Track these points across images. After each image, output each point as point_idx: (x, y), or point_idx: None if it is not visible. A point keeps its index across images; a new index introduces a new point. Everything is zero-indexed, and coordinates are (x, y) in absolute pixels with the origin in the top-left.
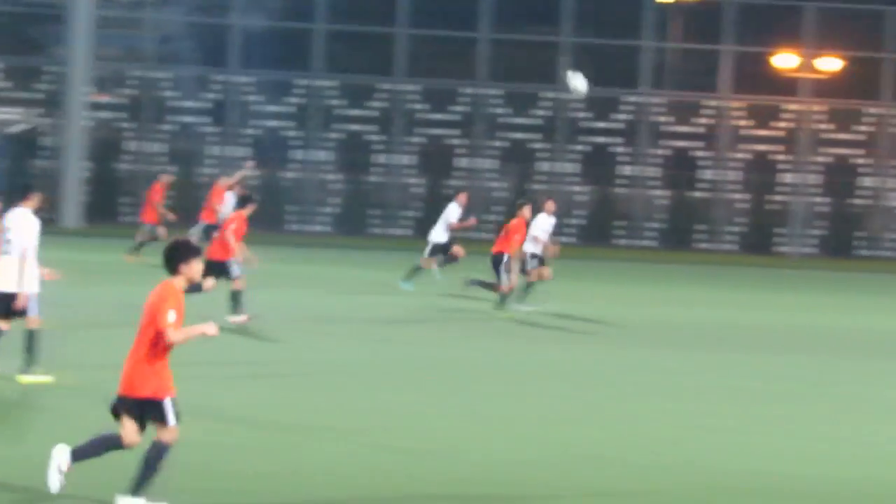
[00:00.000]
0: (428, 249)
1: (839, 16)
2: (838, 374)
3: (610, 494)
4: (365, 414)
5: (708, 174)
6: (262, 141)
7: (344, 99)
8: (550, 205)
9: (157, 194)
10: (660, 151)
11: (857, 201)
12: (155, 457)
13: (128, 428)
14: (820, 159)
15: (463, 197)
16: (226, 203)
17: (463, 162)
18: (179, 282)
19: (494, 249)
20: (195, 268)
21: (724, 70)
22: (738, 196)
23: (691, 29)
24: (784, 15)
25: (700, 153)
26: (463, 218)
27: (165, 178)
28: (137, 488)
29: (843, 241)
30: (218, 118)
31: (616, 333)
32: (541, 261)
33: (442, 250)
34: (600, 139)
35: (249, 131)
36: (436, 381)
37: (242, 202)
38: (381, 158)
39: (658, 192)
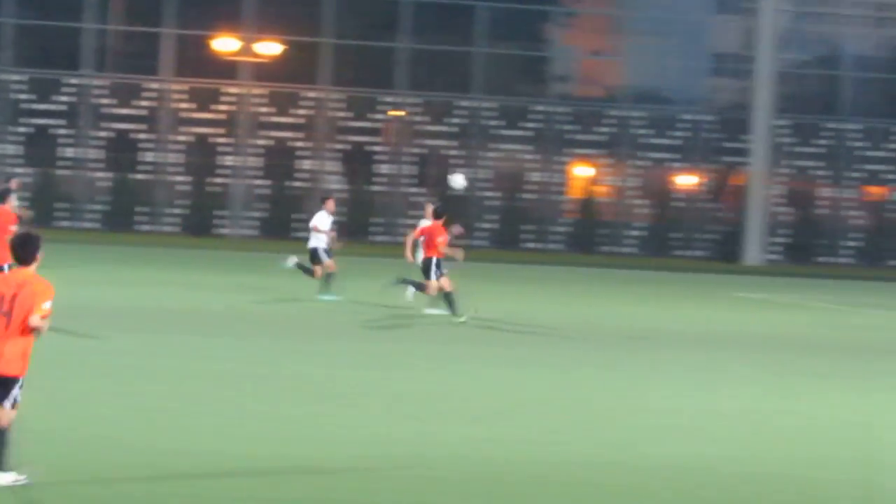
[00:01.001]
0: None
1: (279, 1)
2: (266, 353)
3: None
4: None
5: (149, 157)
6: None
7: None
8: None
9: None
10: (102, 133)
11: (296, 184)
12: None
13: None
14: (260, 142)
15: (331, 203)
16: None
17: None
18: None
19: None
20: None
21: (165, 53)
22: (179, 178)
23: (134, 11)
24: None
25: (142, 136)
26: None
27: None
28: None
29: (283, 222)
30: None
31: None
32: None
33: (315, 256)
34: (41, 121)
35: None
36: None
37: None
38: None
39: (100, 175)
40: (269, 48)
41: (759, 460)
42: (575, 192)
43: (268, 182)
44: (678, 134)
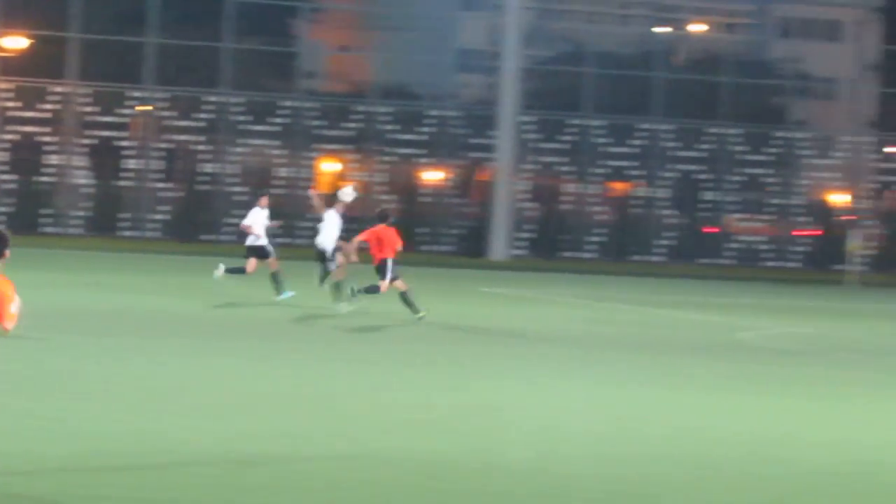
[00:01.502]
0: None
1: None
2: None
3: None
4: None
5: None
6: None
7: None
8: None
9: None
10: None
11: (43, 178)
12: None
13: None
14: (7, 137)
15: (265, 200)
16: None
17: None
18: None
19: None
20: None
21: None
22: None
23: None
24: None
25: None
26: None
27: None
28: None
29: (30, 217)
30: None
31: None
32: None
33: (259, 253)
34: None
35: None
36: None
37: None
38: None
39: None
40: (15, 42)
41: (499, 453)
42: (322, 188)
43: (14, 177)
44: (425, 129)
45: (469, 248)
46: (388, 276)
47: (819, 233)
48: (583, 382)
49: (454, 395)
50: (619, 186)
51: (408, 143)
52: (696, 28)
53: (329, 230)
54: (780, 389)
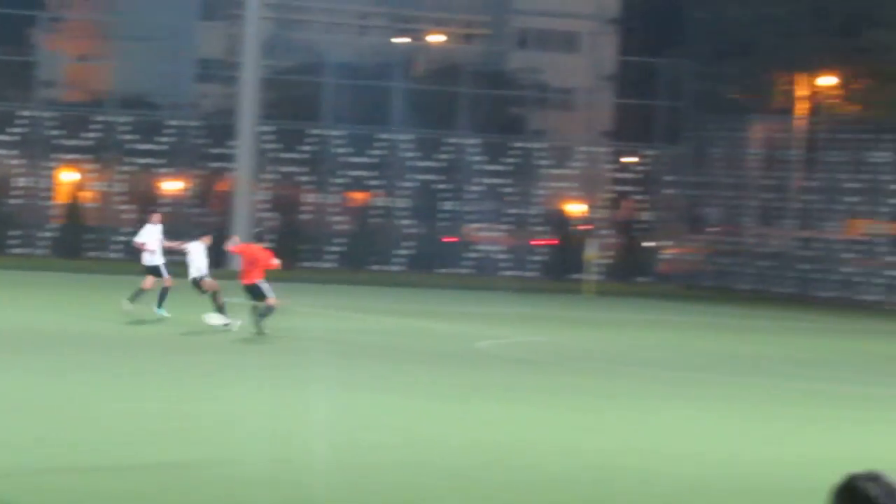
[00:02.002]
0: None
1: None
2: None
3: None
4: None
5: None
6: None
7: None
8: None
9: None
10: None
11: None
12: None
13: None
14: None
15: (157, 217)
16: None
17: None
18: None
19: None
20: None
21: None
22: None
23: None
24: None
25: None
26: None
27: None
28: None
29: None
30: None
31: None
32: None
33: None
34: None
35: None
36: None
37: None
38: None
39: None
40: None
41: (238, 462)
42: (62, 197)
43: None
44: (165, 139)
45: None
46: (268, 293)
47: (556, 242)
48: (323, 391)
49: (198, 404)
50: (358, 196)
51: (147, 153)
52: (435, 39)
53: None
54: (518, 398)
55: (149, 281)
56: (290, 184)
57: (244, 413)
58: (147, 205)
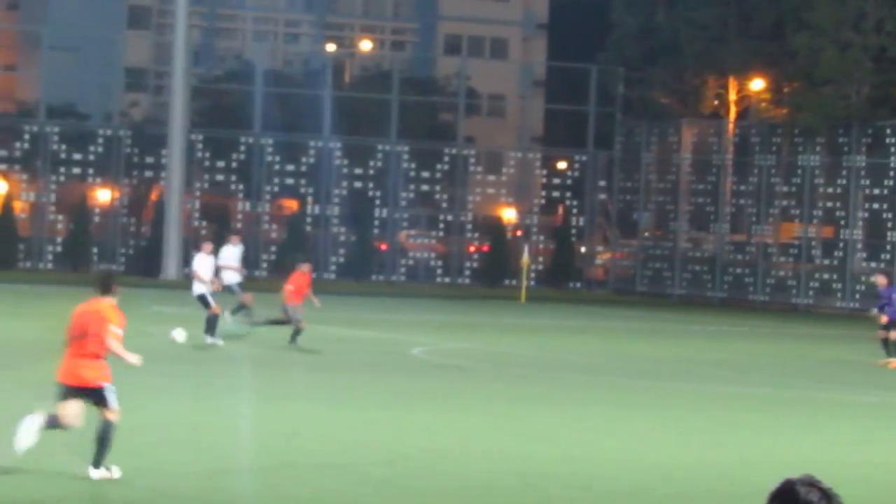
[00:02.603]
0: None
1: None
2: None
3: None
4: None
5: None
6: None
7: None
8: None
9: None
10: None
11: None
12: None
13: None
14: None
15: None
16: None
17: None
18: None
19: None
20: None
21: None
22: None
23: None
24: None
25: None
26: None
27: None
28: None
29: None
30: None
31: None
32: None
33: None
34: None
35: None
36: None
37: None
38: None
39: None
40: None
41: (162, 476)
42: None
43: None
44: (94, 149)
45: (141, 267)
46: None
47: (489, 249)
48: (253, 402)
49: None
50: (290, 204)
51: (78, 163)
52: (364, 46)
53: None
54: (451, 405)
55: (248, 296)
56: (221, 192)
57: (168, 424)
58: (77, 215)
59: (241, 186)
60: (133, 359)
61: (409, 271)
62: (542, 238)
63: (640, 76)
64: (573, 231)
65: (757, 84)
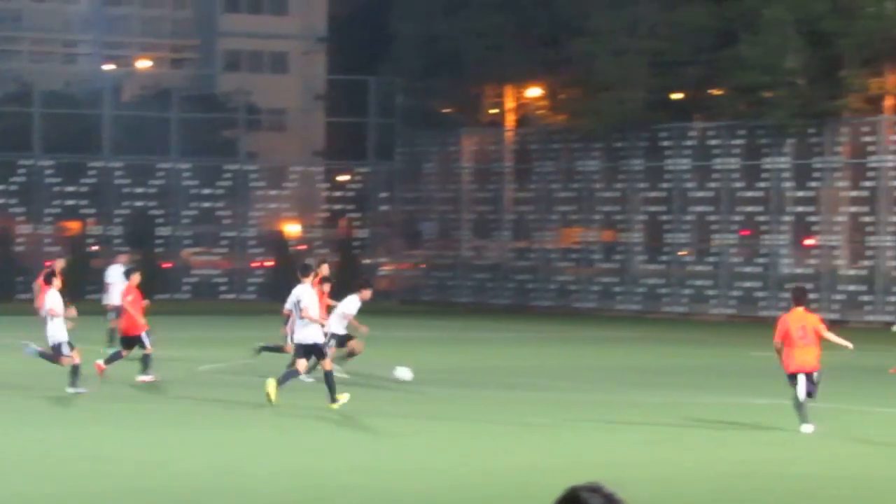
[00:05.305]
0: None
1: None
2: None
3: None
4: None
5: None
6: None
7: None
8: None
9: None
10: None
11: None
12: None
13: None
14: None
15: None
16: None
17: None
18: None
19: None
20: None
21: None
22: None
23: None
24: None
25: None
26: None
27: None
28: None
29: None
30: None
31: None
32: None
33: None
34: None
35: None
36: None
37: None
38: None
39: None
40: None
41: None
42: None
43: None
44: None
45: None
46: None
47: (274, 264)
48: (48, 425)
49: None
50: (72, 225)
51: None
52: (143, 64)
53: None
54: (240, 420)
55: (359, 345)
56: (2, 216)
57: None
58: None
59: (22, 209)
60: None
61: (194, 289)
62: (326, 251)
63: (421, 86)
64: (356, 243)
65: (534, 91)
